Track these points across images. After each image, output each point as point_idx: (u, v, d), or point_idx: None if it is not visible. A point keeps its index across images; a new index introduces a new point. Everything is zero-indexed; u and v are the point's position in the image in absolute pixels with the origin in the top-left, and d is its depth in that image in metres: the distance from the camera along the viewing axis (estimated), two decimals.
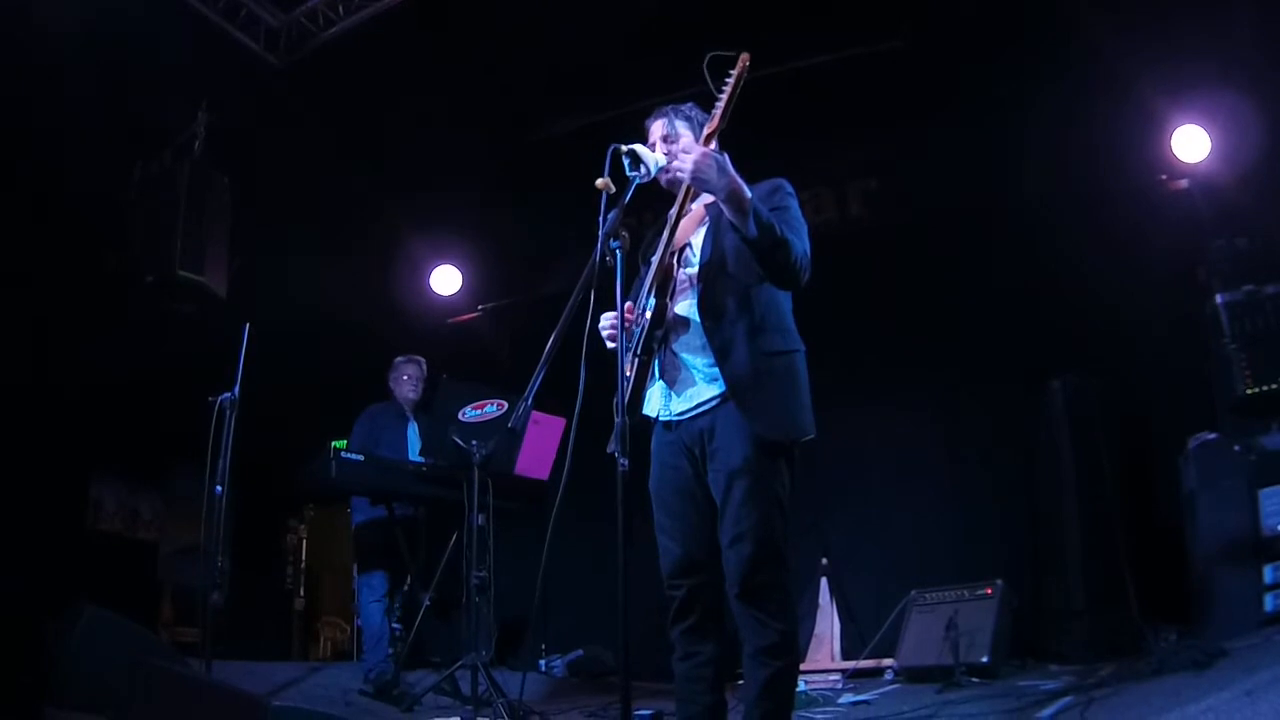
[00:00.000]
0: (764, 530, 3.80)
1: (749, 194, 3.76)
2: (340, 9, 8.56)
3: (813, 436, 4.02)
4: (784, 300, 4.14)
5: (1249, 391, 7.08)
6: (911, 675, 7.28)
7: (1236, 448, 6.93)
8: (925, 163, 9.31)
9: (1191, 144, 8.22)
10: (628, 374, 3.85)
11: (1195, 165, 8.25)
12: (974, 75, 8.80)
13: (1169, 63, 7.94)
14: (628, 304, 3.94)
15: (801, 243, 3.93)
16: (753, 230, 3.72)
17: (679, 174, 3.79)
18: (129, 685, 4.12)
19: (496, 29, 8.53)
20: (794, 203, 4.10)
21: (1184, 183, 8.42)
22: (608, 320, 4.05)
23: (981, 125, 8.84)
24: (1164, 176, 8.50)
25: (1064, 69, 8.36)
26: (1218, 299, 7.36)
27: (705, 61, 3.76)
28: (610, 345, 4.03)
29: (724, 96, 3.71)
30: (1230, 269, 7.44)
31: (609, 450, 3.74)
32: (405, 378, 8.34)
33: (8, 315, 7.45)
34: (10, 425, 7.32)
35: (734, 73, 3.71)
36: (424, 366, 8.45)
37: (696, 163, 3.68)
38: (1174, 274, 8.01)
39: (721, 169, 3.69)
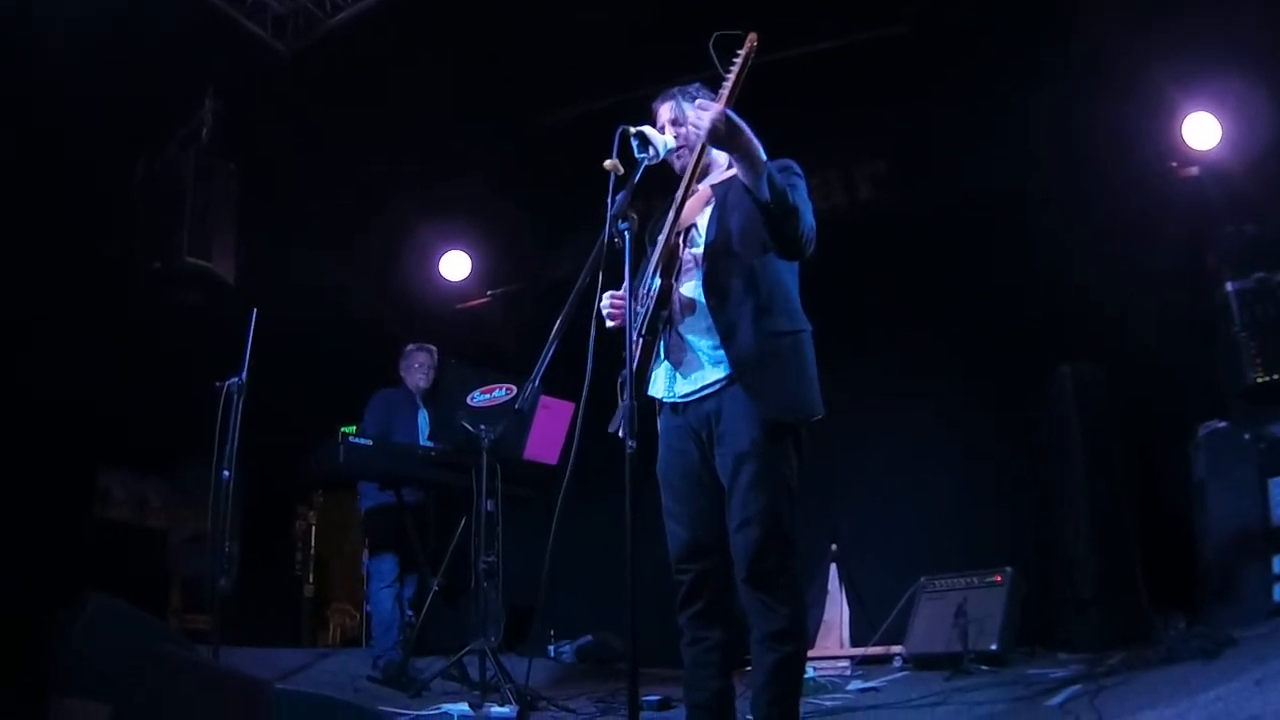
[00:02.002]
0: (772, 515, 3.78)
1: (764, 156, 3.74)
2: None
3: (821, 416, 4.00)
4: (790, 280, 4.12)
5: (1259, 380, 7.07)
6: (920, 662, 7.27)
7: (1246, 436, 6.93)
8: (933, 148, 9.29)
9: (1201, 131, 8.20)
10: (633, 355, 3.83)
11: (1205, 152, 8.22)
12: (982, 60, 8.79)
13: (1179, 49, 7.91)
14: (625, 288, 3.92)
15: (809, 216, 3.92)
16: (765, 193, 3.69)
17: (695, 129, 3.77)
18: (133, 671, 4.12)
19: (504, 14, 8.53)
20: (802, 183, 4.06)
21: (1194, 169, 8.39)
22: (608, 299, 4.07)
23: (990, 110, 8.80)
24: (1174, 163, 8.47)
25: (1073, 55, 8.34)
26: (1228, 286, 7.34)
27: (711, 41, 3.73)
28: (610, 325, 4.06)
29: (731, 76, 3.68)
30: (1240, 256, 7.42)
31: (610, 430, 3.75)
32: (416, 365, 8.35)
33: (15, 303, 7.45)
34: (18, 414, 7.32)
35: (741, 53, 3.67)
36: (435, 355, 8.45)
37: (714, 119, 3.63)
38: (1184, 261, 7.98)
39: (738, 127, 3.67)
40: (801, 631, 3.93)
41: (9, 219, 7.41)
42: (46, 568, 6.83)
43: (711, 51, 3.75)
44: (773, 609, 3.78)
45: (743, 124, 3.69)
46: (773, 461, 3.83)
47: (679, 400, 4.06)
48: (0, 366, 7.34)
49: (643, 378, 4.04)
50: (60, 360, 7.77)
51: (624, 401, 3.64)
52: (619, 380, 3.73)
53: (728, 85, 3.69)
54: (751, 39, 3.66)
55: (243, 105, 8.66)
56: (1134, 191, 8.43)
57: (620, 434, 3.61)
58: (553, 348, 4.18)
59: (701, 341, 4.02)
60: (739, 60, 3.68)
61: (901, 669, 7.43)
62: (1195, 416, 7.42)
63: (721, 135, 3.66)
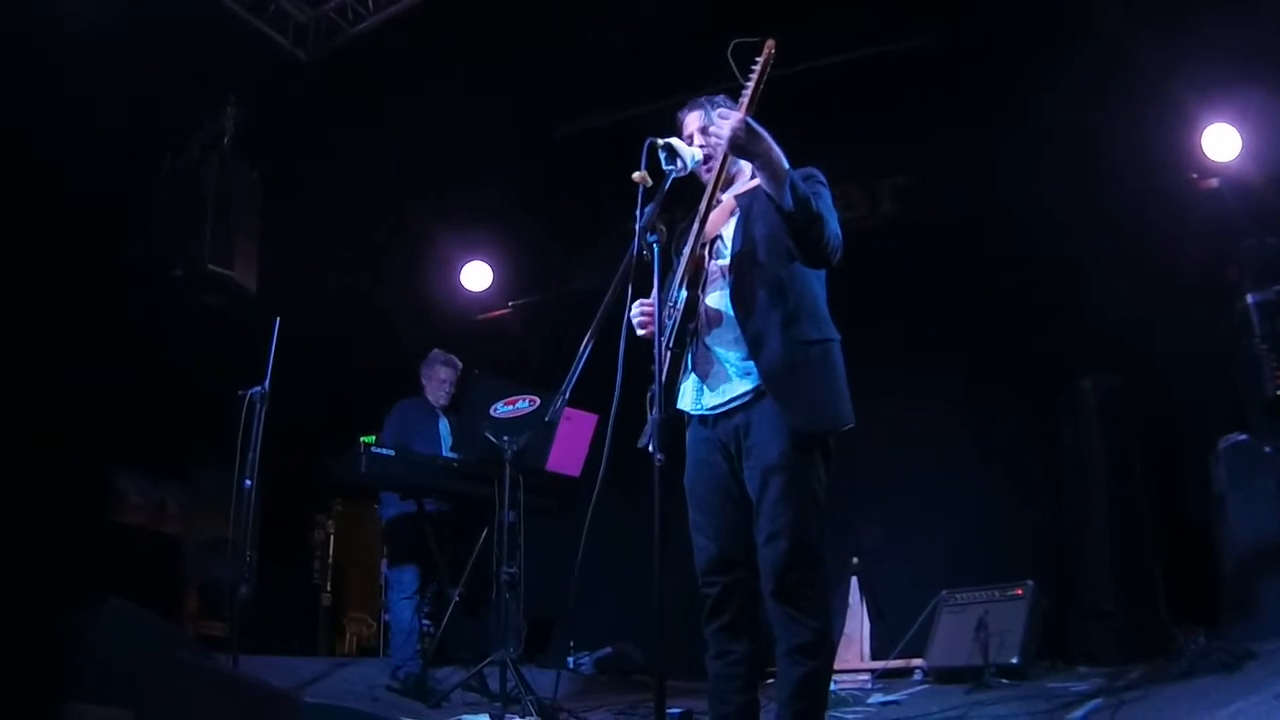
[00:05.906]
0: (799, 527, 3.79)
1: (786, 164, 3.75)
2: (370, 4, 8.56)
3: (851, 426, 4.00)
4: (818, 289, 4.12)
5: (1279, 393, 7.03)
6: (941, 676, 7.24)
7: (1267, 449, 6.89)
8: (956, 160, 9.28)
9: (1222, 143, 8.18)
10: (661, 367, 3.83)
11: (1226, 164, 8.21)
12: (1004, 73, 8.77)
13: (1199, 61, 7.89)
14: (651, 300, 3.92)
15: (834, 223, 3.92)
16: (789, 201, 3.70)
17: (716, 140, 3.77)
18: (155, 677, 4.12)
19: (528, 23, 8.52)
20: (826, 191, 4.06)
21: (1215, 181, 8.38)
22: (639, 308, 4.06)
23: (1011, 123, 8.78)
24: (1195, 175, 8.47)
25: (1094, 67, 8.31)
26: (1249, 299, 7.31)
27: (730, 49, 3.74)
28: (640, 333, 4.06)
29: (750, 83, 3.67)
30: (1261, 268, 7.38)
31: (640, 444, 3.74)
32: (441, 379, 8.28)
33: (35, 308, 7.46)
34: (35, 416, 7.33)
35: (760, 60, 3.67)
36: (458, 370, 8.37)
37: (734, 128, 3.64)
38: (1205, 273, 7.95)
39: (759, 135, 3.68)
40: (828, 645, 3.93)
41: (30, 221, 7.42)
42: (62, 571, 6.83)
43: (730, 60, 3.76)
44: (799, 622, 3.78)
45: (763, 131, 3.70)
46: (801, 474, 3.83)
47: (707, 413, 4.06)
48: (17, 369, 7.35)
49: (671, 391, 4.03)
50: (77, 363, 7.77)
51: (652, 415, 3.64)
52: (648, 394, 3.73)
53: (747, 93, 3.68)
54: (769, 46, 3.65)
55: (264, 112, 8.66)
56: (1155, 203, 8.42)
57: (650, 449, 3.61)
58: (583, 359, 4.17)
59: (729, 353, 4.02)
60: (757, 67, 3.67)
61: (922, 682, 7.40)
62: (1216, 429, 7.37)
63: (742, 143, 3.67)
